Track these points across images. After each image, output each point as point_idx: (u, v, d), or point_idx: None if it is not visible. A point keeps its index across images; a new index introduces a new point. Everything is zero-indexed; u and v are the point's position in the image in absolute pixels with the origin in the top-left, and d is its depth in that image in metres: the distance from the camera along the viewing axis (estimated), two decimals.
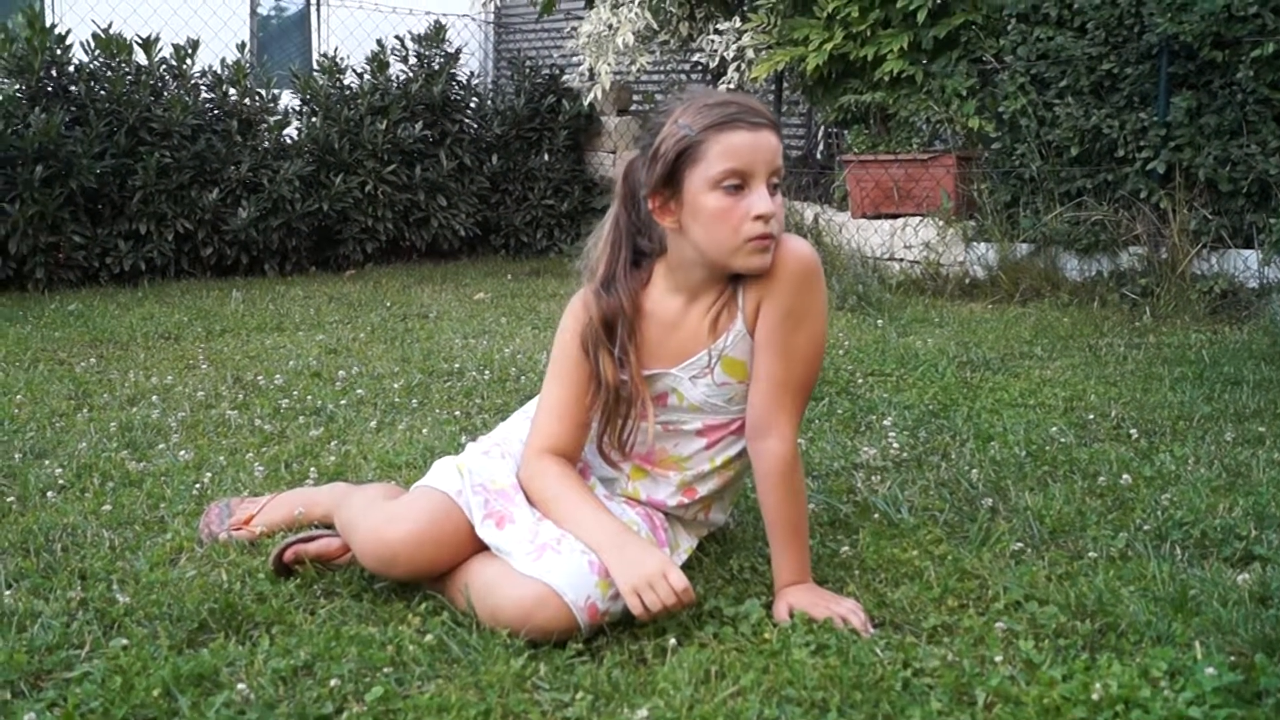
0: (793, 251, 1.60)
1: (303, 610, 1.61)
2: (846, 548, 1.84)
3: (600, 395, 1.68)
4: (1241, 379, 3.05)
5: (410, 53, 6.64)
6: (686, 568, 1.71)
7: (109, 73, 5.57)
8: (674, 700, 1.33)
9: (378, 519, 1.63)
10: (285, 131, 6.10)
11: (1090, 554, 1.79)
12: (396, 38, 6.64)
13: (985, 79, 5.07)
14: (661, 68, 7.31)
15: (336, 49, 6.57)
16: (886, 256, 5.23)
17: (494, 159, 6.75)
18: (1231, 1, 4.20)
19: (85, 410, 2.92)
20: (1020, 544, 1.85)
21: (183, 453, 2.47)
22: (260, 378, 3.27)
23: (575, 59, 6.82)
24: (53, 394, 3.09)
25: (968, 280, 4.89)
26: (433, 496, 1.64)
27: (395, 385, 3.16)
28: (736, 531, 1.93)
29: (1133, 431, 2.55)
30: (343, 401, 2.97)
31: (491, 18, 9.40)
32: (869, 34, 5.23)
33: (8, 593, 1.68)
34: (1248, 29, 4.22)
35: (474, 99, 6.92)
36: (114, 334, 4.08)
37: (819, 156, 6.72)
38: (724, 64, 6.08)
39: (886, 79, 5.20)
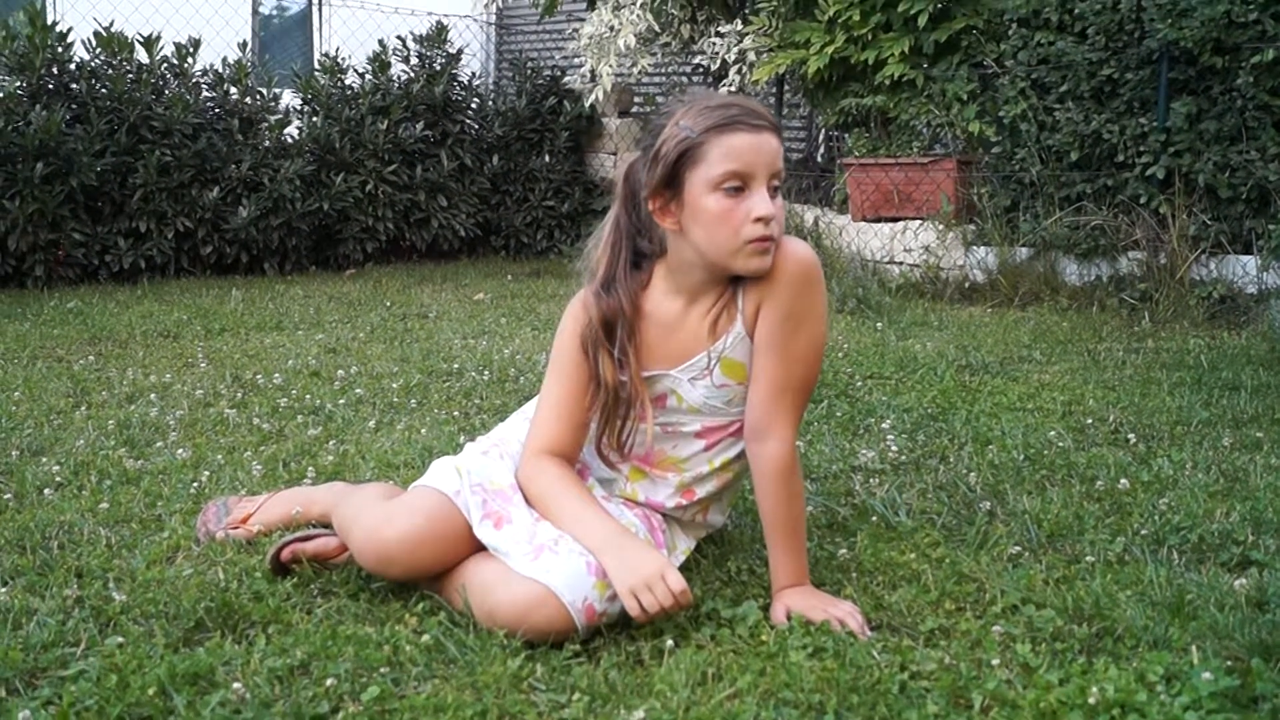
0: (793, 254, 1.60)
1: (299, 609, 1.61)
2: (844, 550, 1.84)
3: (599, 396, 1.68)
4: (1240, 384, 3.05)
5: (412, 53, 6.65)
6: (684, 569, 1.71)
7: (110, 71, 5.57)
8: (671, 702, 1.33)
9: (375, 518, 1.63)
10: (286, 131, 6.11)
11: (1088, 558, 1.79)
12: (398, 38, 6.65)
13: (986, 83, 5.08)
14: (663, 70, 7.31)
15: (338, 49, 6.58)
16: (886, 260, 5.23)
17: (495, 160, 6.75)
18: (1232, 8, 4.21)
19: (83, 408, 2.91)
20: (1018, 548, 1.85)
21: (181, 451, 2.47)
22: (259, 376, 3.27)
23: (577, 60, 6.83)
24: (51, 391, 3.09)
25: (967, 284, 4.89)
26: (431, 496, 1.64)
27: (394, 385, 3.16)
28: (734, 533, 1.93)
29: (1131, 436, 2.55)
30: (341, 401, 2.97)
31: (493, 19, 9.40)
32: (870, 38, 5.24)
33: (3, 590, 1.67)
34: (1248, 35, 4.22)
35: (475, 100, 6.92)
36: (113, 332, 4.08)
37: (819, 159, 6.72)
38: (725, 66, 6.09)
39: (887, 83, 5.20)
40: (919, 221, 5.13)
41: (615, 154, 7.07)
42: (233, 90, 5.99)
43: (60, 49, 5.43)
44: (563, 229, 6.94)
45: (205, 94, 5.93)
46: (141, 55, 5.72)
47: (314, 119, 6.17)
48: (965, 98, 5.03)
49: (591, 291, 1.68)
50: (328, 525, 1.83)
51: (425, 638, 1.49)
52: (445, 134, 6.57)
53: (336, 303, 4.92)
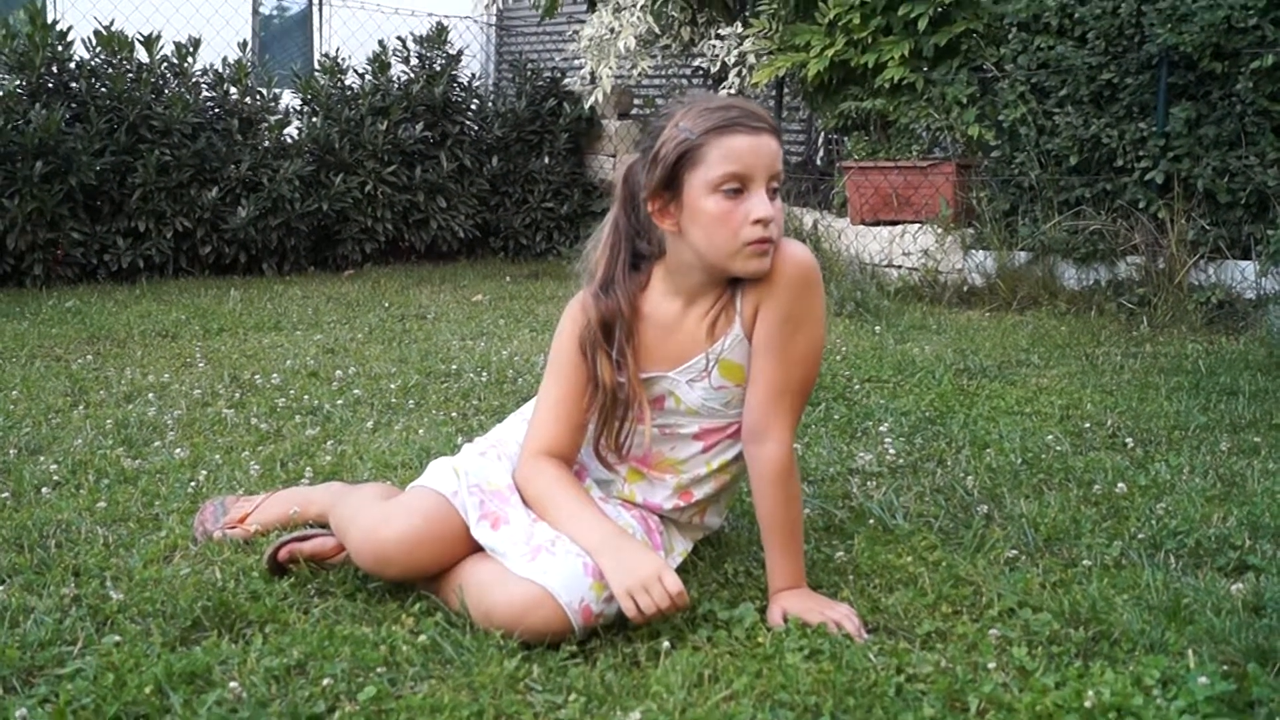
0: (791, 256, 1.61)
1: (296, 609, 1.61)
2: (841, 553, 1.84)
3: (597, 397, 1.68)
4: (1237, 389, 3.05)
5: (412, 54, 6.65)
6: (681, 571, 1.70)
7: (110, 70, 5.57)
8: (667, 703, 1.33)
9: (373, 519, 1.63)
10: (286, 131, 6.11)
11: (1084, 562, 1.79)
12: (398, 38, 6.65)
13: (985, 87, 5.08)
14: (662, 72, 7.32)
15: (338, 49, 6.58)
16: (885, 263, 5.23)
17: (494, 161, 6.75)
18: (1231, 13, 4.21)
19: (81, 407, 2.91)
20: (1015, 551, 1.85)
21: (178, 450, 2.47)
22: (257, 377, 3.27)
23: (576, 62, 6.83)
24: (49, 390, 3.09)
25: (965, 288, 4.89)
26: (428, 497, 1.64)
27: (392, 386, 3.16)
28: (731, 535, 1.93)
29: (1128, 440, 2.55)
30: (339, 401, 2.97)
31: (493, 20, 9.41)
32: (870, 41, 5.24)
33: (1, 588, 1.67)
34: (1247, 40, 4.23)
35: (475, 101, 6.92)
36: (111, 331, 4.08)
37: (819, 162, 6.73)
38: (725, 69, 6.09)
39: (887, 86, 5.21)
40: (918, 225, 5.13)
41: (615, 156, 7.07)
42: (232, 90, 5.99)
43: (60, 48, 5.43)
44: (562, 230, 6.94)
45: (205, 94, 5.93)
46: (141, 54, 5.72)
47: (313, 119, 6.17)
48: (965, 101, 5.04)
49: (590, 293, 1.68)
50: (325, 525, 1.83)
51: (422, 638, 1.49)
52: (445, 135, 6.57)
53: (335, 303, 4.92)
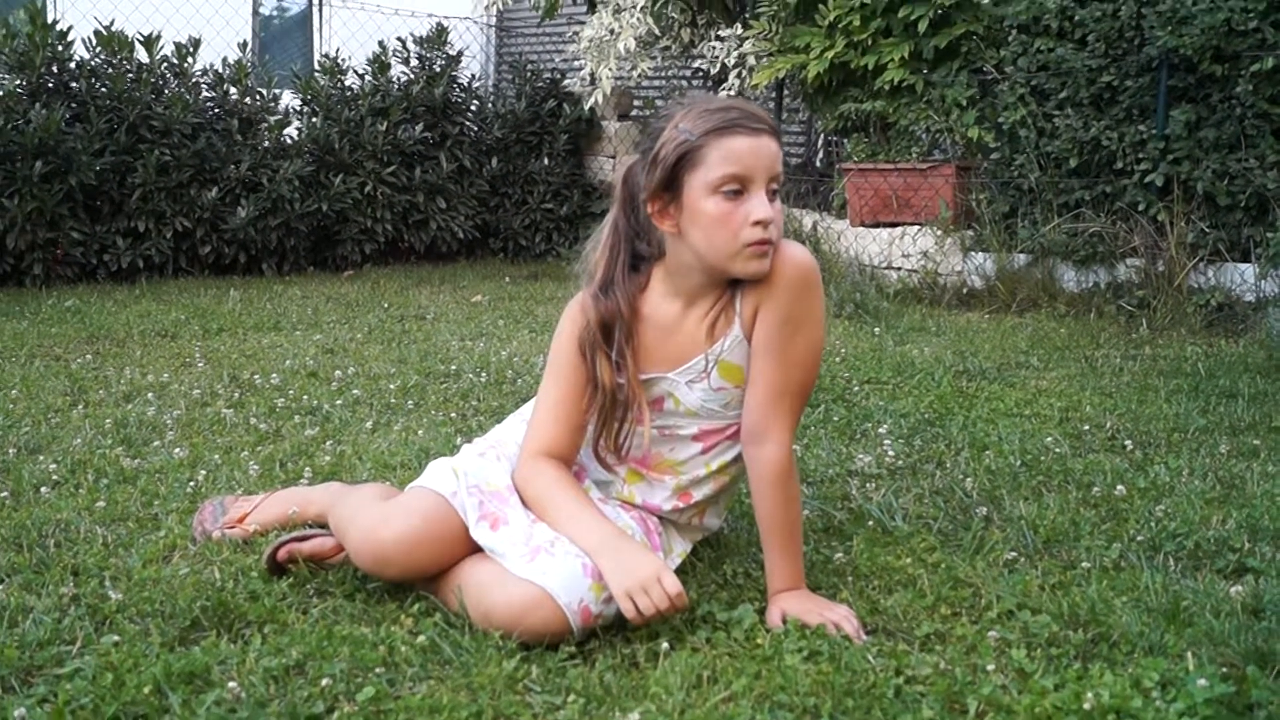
0: (791, 258, 1.61)
1: (295, 609, 1.61)
2: (840, 554, 1.84)
3: (597, 399, 1.68)
4: (1237, 392, 3.05)
5: (412, 54, 6.65)
6: (680, 572, 1.70)
7: (110, 70, 5.57)
8: (666, 705, 1.33)
9: (372, 519, 1.63)
10: (285, 131, 6.11)
11: (1084, 564, 1.79)
12: (398, 39, 6.65)
13: (985, 89, 5.09)
14: (662, 73, 7.32)
15: (338, 50, 6.58)
16: (884, 265, 5.23)
17: (494, 162, 6.75)
18: (1231, 16, 4.21)
19: (81, 406, 2.91)
20: (1014, 553, 1.85)
21: (177, 450, 2.47)
22: (256, 377, 3.27)
23: (576, 63, 6.83)
24: (48, 390, 3.09)
25: (965, 290, 4.89)
26: (427, 498, 1.64)
27: (392, 386, 3.16)
28: (730, 536, 1.93)
29: (1128, 443, 2.55)
30: (339, 401, 2.97)
31: (493, 21, 9.40)
32: (870, 43, 5.24)
33: (0, 588, 1.67)
34: (1247, 43, 4.23)
35: (475, 102, 6.93)
36: (111, 331, 4.08)
37: (818, 164, 6.73)
38: (725, 70, 6.09)
39: (887, 88, 5.21)
40: (917, 227, 5.13)
41: (614, 157, 7.08)
42: (232, 90, 5.99)
43: (60, 48, 5.43)
44: (561, 231, 6.94)
45: (205, 94, 5.93)
46: (141, 55, 5.72)
47: (313, 120, 6.17)
48: (964, 103, 5.04)
49: (590, 294, 1.68)
50: (324, 525, 1.83)
51: (421, 638, 1.49)
52: (444, 136, 6.57)
53: (334, 303, 4.92)
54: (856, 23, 5.22)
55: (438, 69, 6.60)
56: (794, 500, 1.63)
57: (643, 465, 1.75)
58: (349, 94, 6.32)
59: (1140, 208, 4.50)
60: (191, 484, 2.22)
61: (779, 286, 1.60)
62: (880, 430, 2.66)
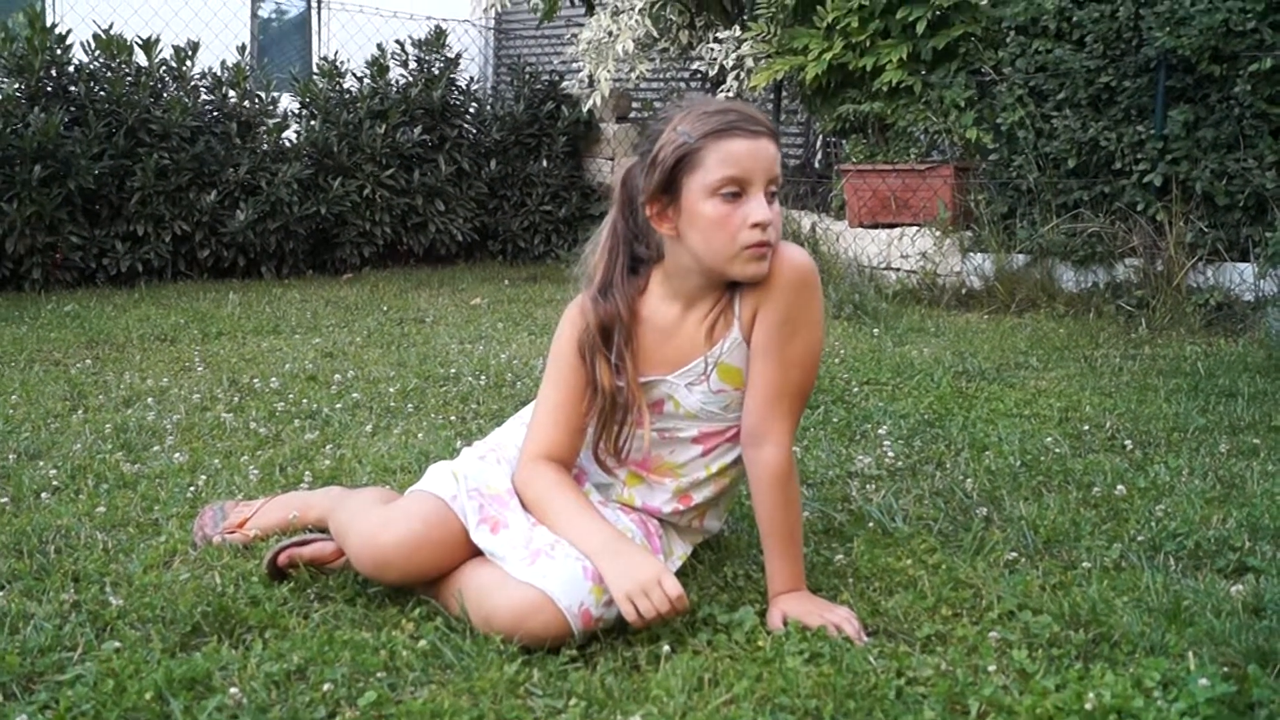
0: (790, 259, 1.61)
1: (296, 614, 1.61)
2: (841, 556, 1.84)
3: (596, 401, 1.68)
4: (1236, 391, 3.06)
5: (410, 57, 6.65)
6: (680, 574, 1.71)
7: (109, 73, 5.57)
8: (667, 707, 1.33)
9: (372, 523, 1.63)
10: (284, 134, 6.11)
11: (1084, 564, 1.79)
12: (397, 42, 6.65)
13: (983, 90, 5.09)
14: (661, 75, 7.32)
15: (336, 52, 6.58)
16: (883, 266, 5.23)
17: (492, 164, 6.75)
18: (1229, 17, 4.22)
19: (80, 412, 2.91)
20: (1014, 554, 1.85)
21: (177, 455, 2.47)
22: (256, 381, 3.27)
23: (575, 65, 6.83)
24: (48, 395, 3.09)
25: (964, 290, 4.89)
26: (427, 501, 1.64)
27: (391, 389, 3.16)
28: (731, 539, 1.93)
29: (1127, 443, 2.55)
30: (338, 405, 2.97)
31: (492, 23, 9.41)
32: (868, 44, 5.25)
33: (0, 594, 1.67)
34: (1245, 44, 4.23)
35: (473, 104, 6.93)
36: (110, 335, 4.07)
37: (817, 165, 6.73)
38: (723, 72, 6.10)
39: (885, 89, 5.21)
40: (916, 228, 5.13)
41: (613, 159, 7.08)
42: (231, 94, 5.99)
43: (59, 51, 5.43)
44: (560, 234, 6.94)
45: (203, 97, 5.93)
46: (140, 58, 5.72)
47: (312, 123, 6.17)
48: (963, 104, 5.04)
49: (589, 297, 1.68)
50: (324, 530, 1.83)
51: (422, 643, 1.49)
52: (443, 138, 6.57)
53: (333, 307, 4.92)
54: (854, 24, 5.22)
55: (436, 71, 6.61)
56: (794, 502, 1.63)
57: (643, 468, 1.75)
58: (347, 97, 6.32)
59: (1139, 208, 4.51)
60: (191, 489, 2.22)
61: (777, 288, 1.60)
62: (880, 431, 2.66)
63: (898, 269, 5.18)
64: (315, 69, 6.60)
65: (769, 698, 1.36)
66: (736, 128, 1.55)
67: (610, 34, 6.27)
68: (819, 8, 5.37)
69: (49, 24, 5.48)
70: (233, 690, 1.36)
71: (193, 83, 5.85)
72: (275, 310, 4.76)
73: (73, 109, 5.45)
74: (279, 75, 6.50)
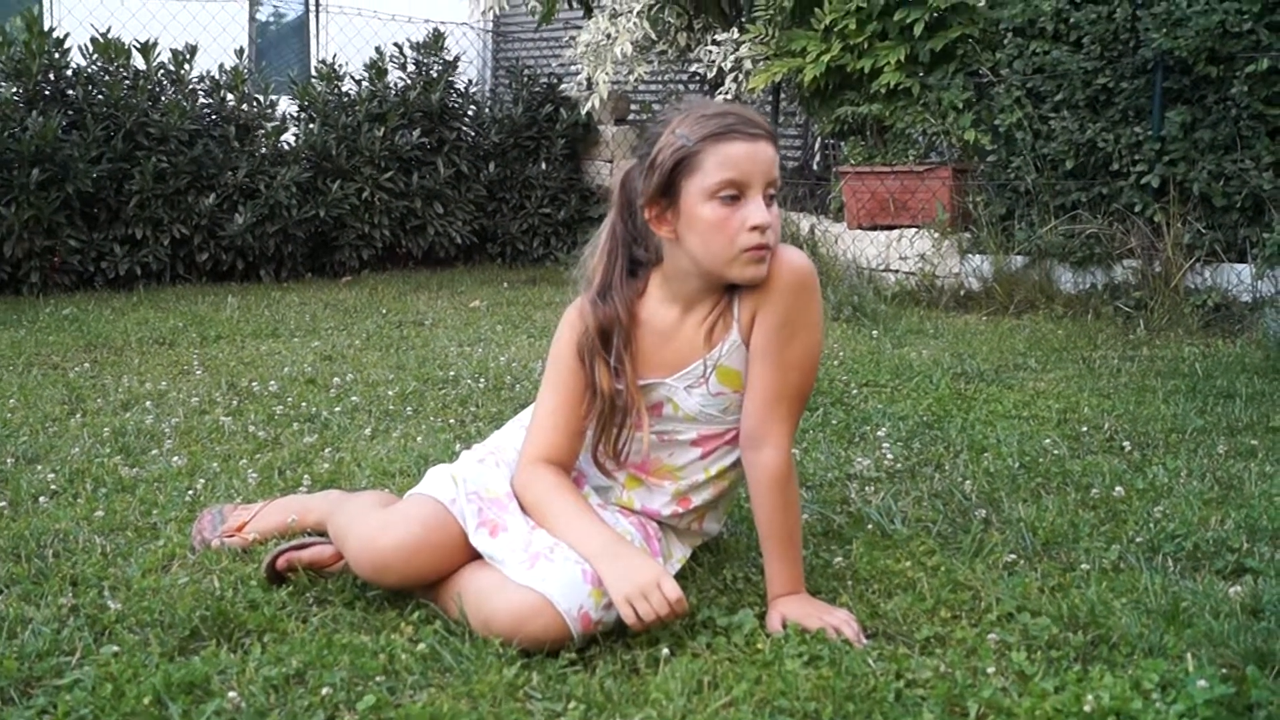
0: (788, 262, 1.61)
1: (295, 618, 1.61)
2: (840, 558, 1.84)
3: (595, 404, 1.68)
4: (1234, 392, 3.06)
5: (409, 60, 6.66)
6: (680, 577, 1.71)
7: (107, 77, 5.57)
8: (666, 710, 1.33)
9: (371, 527, 1.63)
10: (283, 137, 6.11)
11: (1083, 566, 1.79)
12: (395, 45, 6.65)
13: (981, 92, 5.09)
14: (659, 78, 7.33)
15: (335, 55, 6.59)
16: (882, 268, 5.24)
17: (491, 167, 6.76)
18: (1226, 18, 4.22)
19: (78, 415, 2.91)
20: (1013, 555, 1.85)
21: (176, 459, 2.47)
22: (255, 384, 3.27)
23: (573, 68, 6.84)
24: (46, 398, 3.09)
25: (962, 292, 4.90)
26: (426, 504, 1.64)
27: (390, 392, 3.16)
28: (730, 541, 1.93)
29: (1126, 444, 2.55)
30: (337, 408, 2.97)
31: (490, 26, 9.42)
32: (866, 46, 5.25)
33: None
34: (1242, 45, 4.24)
35: (472, 107, 6.93)
36: (108, 339, 4.07)
37: (815, 167, 6.74)
38: (721, 75, 6.10)
39: (883, 91, 5.22)
40: (914, 229, 5.14)
41: (611, 161, 7.08)
42: (229, 97, 5.99)
43: (57, 55, 5.43)
44: (559, 236, 6.94)
45: (202, 100, 5.93)
46: (138, 61, 5.72)
47: (310, 126, 6.17)
48: (961, 106, 5.04)
49: (588, 299, 1.69)
50: (323, 533, 1.83)
51: (421, 646, 1.49)
52: (442, 141, 6.58)
53: (332, 310, 4.92)
54: (852, 26, 5.23)
55: (435, 74, 6.61)
56: (793, 504, 1.63)
57: (642, 471, 1.75)
58: (346, 100, 6.32)
59: (1136, 209, 4.51)
60: (190, 492, 2.22)
61: (776, 291, 1.60)
62: (879, 433, 2.66)
63: (896, 271, 5.19)
64: (314, 72, 6.61)
65: (768, 700, 1.36)
66: (735, 130, 1.55)
67: (608, 36, 6.28)
68: (817, 10, 5.38)
69: (47, 27, 5.49)
70: (231, 694, 1.36)
71: (191, 86, 5.86)
72: (274, 313, 4.75)
73: (71, 113, 5.45)
74: (277, 78, 6.51)
